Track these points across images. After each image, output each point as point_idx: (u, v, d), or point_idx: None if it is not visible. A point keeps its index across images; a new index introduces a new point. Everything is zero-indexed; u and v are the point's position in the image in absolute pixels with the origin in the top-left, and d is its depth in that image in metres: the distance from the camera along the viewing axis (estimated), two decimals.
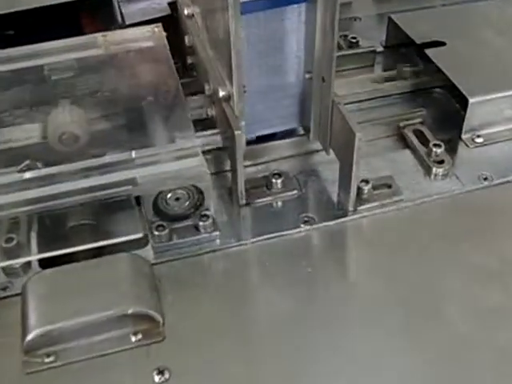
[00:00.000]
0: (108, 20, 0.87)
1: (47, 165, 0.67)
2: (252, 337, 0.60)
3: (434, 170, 0.73)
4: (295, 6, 0.64)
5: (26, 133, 0.74)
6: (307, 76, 0.68)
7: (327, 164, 0.73)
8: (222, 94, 0.65)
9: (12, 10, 0.82)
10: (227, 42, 0.60)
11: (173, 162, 0.61)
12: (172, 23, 0.84)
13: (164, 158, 0.61)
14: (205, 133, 0.71)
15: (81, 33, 0.86)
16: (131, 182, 0.60)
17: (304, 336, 0.59)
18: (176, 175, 0.61)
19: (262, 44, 0.65)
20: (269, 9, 0.63)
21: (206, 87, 0.71)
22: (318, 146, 0.73)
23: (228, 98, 0.65)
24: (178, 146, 0.62)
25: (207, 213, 0.65)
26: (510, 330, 0.60)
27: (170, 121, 0.70)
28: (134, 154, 0.61)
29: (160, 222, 0.65)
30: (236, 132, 0.63)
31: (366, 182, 0.69)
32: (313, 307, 0.61)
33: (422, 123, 0.79)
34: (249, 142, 0.69)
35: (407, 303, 0.62)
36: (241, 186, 0.68)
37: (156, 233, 0.64)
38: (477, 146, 0.77)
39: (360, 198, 0.69)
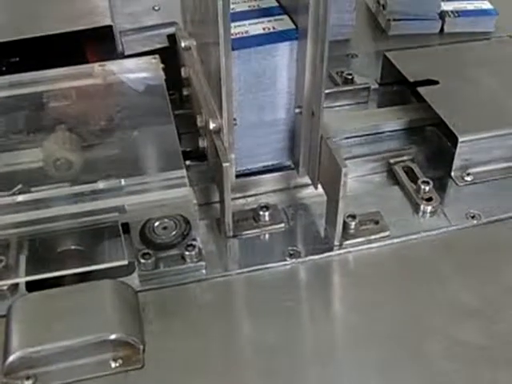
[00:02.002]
0: (110, 50, 0.88)
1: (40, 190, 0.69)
2: (233, 370, 0.60)
3: (422, 207, 0.74)
4: (286, 43, 0.65)
5: (22, 157, 0.75)
6: (297, 110, 0.69)
7: (315, 198, 0.74)
8: (212, 125, 0.66)
9: (16, 38, 0.84)
10: (219, 75, 0.61)
11: (160, 191, 0.62)
12: (171, 55, 0.86)
13: (152, 187, 0.63)
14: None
15: (83, 61, 0.88)
16: (119, 209, 0.61)
17: (284, 369, 0.59)
18: (163, 204, 0.62)
19: (254, 80, 0.67)
20: (260, 46, 0.65)
21: (199, 119, 0.72)
22: (306, 180, 0.74)
23: (218, 131, 0.66)
24: (167, 175, 0.63)
25: (193, 243, 0.66)
26: (490, 368, 0.60)
27: (161, 151, 0.71)
28: (123, 181, 0.62)
29: (146, 250, 0.66)
30: (224, 164, 0.64)
31: (353, 217, 0.70)
32: (295, 341, 0.62)
33: (412, 160, 0.80)
34: (238, 175, 0.70)
35: (389, 339, 0.62)
36: (228, 218, 0.69)
37: (142, 261, 0.65)
38: (466, 184, 0.78)
39: (346, 233, 0.70)
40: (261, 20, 0.68)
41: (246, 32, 0.66)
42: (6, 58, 0.92)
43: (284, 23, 0.67)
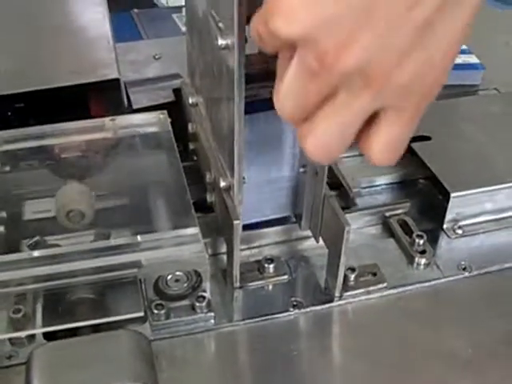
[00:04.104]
0: (115, 103, 0.92)
1: (55, 240, 0.73)
2: None
3: (416, 259, 0.78)
4: None
5: (35, 208, 0.78)
6: (301, 170, 0.73)
7: (316, 250, 0.78)
8: (222, 184, 0.69)
9: (23, 91, 0.87)
10: (230, 136, 0.64)
11: (175, 247, 0.65)
12: (175, 108, 0.89)
13: (167, 244, 0.66)
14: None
15: (89, 113, 0.91)
16: (137, 264, 0.65)
17: None
18: (178, 260, 0.65)
19: (261, 141, 0.70)
20: (269, 110, 0.68)
21: (208, 175, 0.76)
22: (308, 232, 0.78)
23: (228, 189, 0.69)
24: (181, 232, 0.67)
25: (204, 294, 0.69)
26: None
27: (172, 205, 0.75)
28: (139, 238, 0.66)
29: (159, 302, 0.69)
30: (235, 222, 0.67)
31: (353, 269, 0.74)
32: None
33: (406, 213, 0.84)
34: (243, 228, 0.73)
35: None
36: (236, 270, 0.72)
37: (155, 311, 0.68)
38: (457, 237, 0.82)
39: (346, 285, 0.73)
40: (269, 83, 0.71)
41: (255, 96, 0.70)
42: (12, 104, 0.94)
43: None
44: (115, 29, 0.94)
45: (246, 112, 0.64)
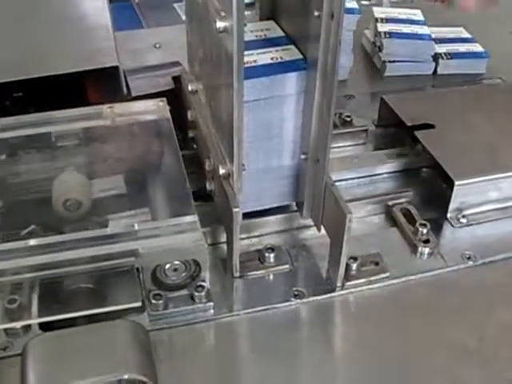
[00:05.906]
0: (114, 91, 0.90)
1: (51, 229, 0.71)
2: None
3: (419, 248, 0.77)
4: (295, 73, 0.67)
5: (31, 197, 0.77)
6: (302, 157, 0.72)
7: (317, 239, 0.77)
8: (222, 171, 0.68)
9: (22, 78, 0.86)
10: (230, 124, 0.63)
11: (173, 235, 0.64)
12: (175, 96, 0.88)
13: (165, 232, 0.64)
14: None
15: (88, 101, 0.90)
16: (133, 253, 0.63)
17: None
18: (176, 249, 0.64)
19: (262, 129, 0.69)
20: (271, 75, 0.67)
21: (207, 163, 0.74)
22: (309, 221, 0.77)
23: (228, 176, 0.68)
24: (179, 220, 0.66)
25: (203, 284, 0.68)
26: None
27: (171, 194, 0.74)
28: (136, 226, 0.64)
29: (157, 291, 0.68)
30: (234, 210, 0.66)
31: (355, 259, 0.73)
32: (299, 379, 0.64)
33: (409, 202, 0.83)
34: (244, 217, 0.72)
35: (391, 379, 0.65)
36: (236, 259, 0.71)
37: (153, 301, 0.67)
38: (461, 226, 0.81)
39: (348, 274, 0.72)
40: (269, 50, 0.70)
41: (255, 61, 0.68)
42: (10, 93, 0.93)
43: (292, 53, 0.70)
44: (116, 17, 0.93)
45: (246, 78, 0.62)
